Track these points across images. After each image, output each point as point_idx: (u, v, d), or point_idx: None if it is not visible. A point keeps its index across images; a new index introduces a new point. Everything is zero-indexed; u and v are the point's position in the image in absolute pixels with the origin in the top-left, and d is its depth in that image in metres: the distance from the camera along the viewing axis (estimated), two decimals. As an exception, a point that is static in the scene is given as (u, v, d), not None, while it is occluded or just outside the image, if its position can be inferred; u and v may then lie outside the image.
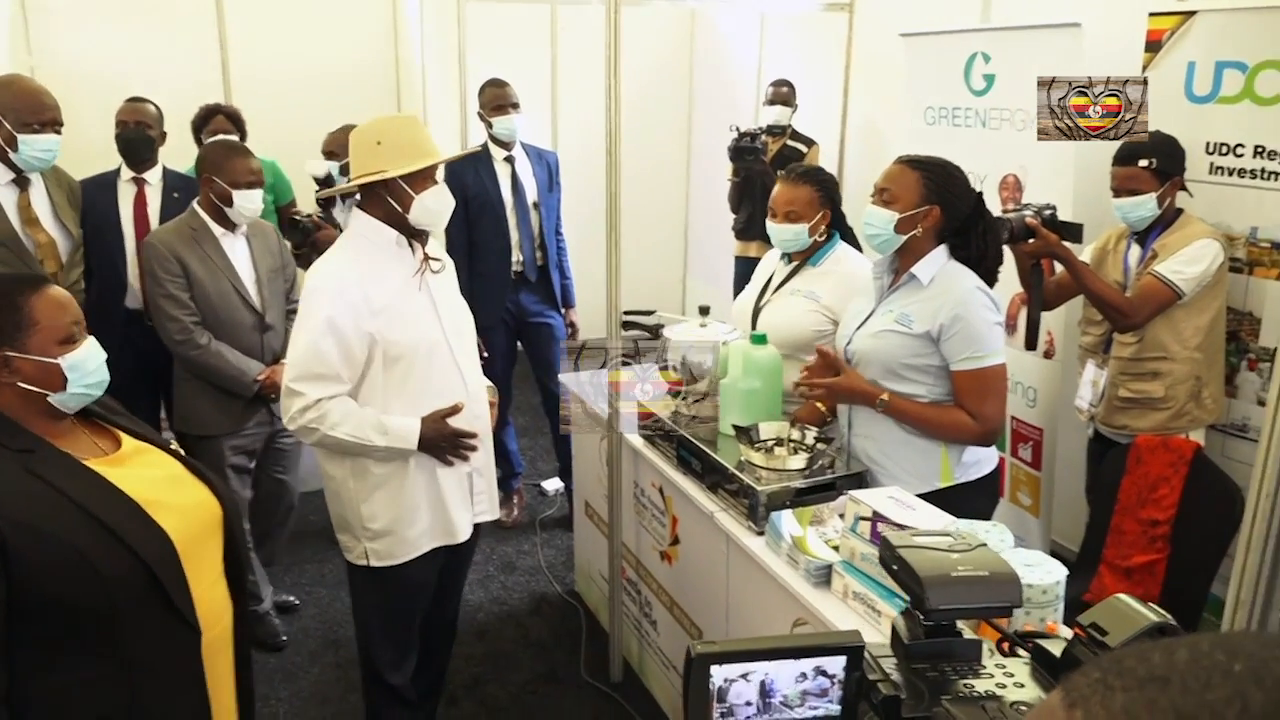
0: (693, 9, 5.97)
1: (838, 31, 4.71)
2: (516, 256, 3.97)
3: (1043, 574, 1.62)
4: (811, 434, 2.43)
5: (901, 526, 1.83)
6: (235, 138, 4.04)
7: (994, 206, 3.39)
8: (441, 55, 5.46)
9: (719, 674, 1.00)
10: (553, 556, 3.91)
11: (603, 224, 2.76)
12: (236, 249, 3.00)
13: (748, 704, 1.00)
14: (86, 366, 1.59)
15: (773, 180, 4.50)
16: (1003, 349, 2.29)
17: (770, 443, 2.43)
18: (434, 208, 2.24)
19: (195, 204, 2.99)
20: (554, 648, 3.31)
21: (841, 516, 2.07)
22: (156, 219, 3.37)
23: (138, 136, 3.39)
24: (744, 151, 4.47)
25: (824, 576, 2.05)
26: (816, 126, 4.89)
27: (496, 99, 3.88)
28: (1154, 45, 3.02)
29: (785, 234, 2.70)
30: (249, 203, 2.92)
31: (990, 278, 2.34)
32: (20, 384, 1.54)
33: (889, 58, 3.98)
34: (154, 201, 3.41)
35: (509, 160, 3.94)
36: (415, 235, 2.28)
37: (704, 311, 2.79)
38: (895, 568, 1.24)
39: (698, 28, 6.13)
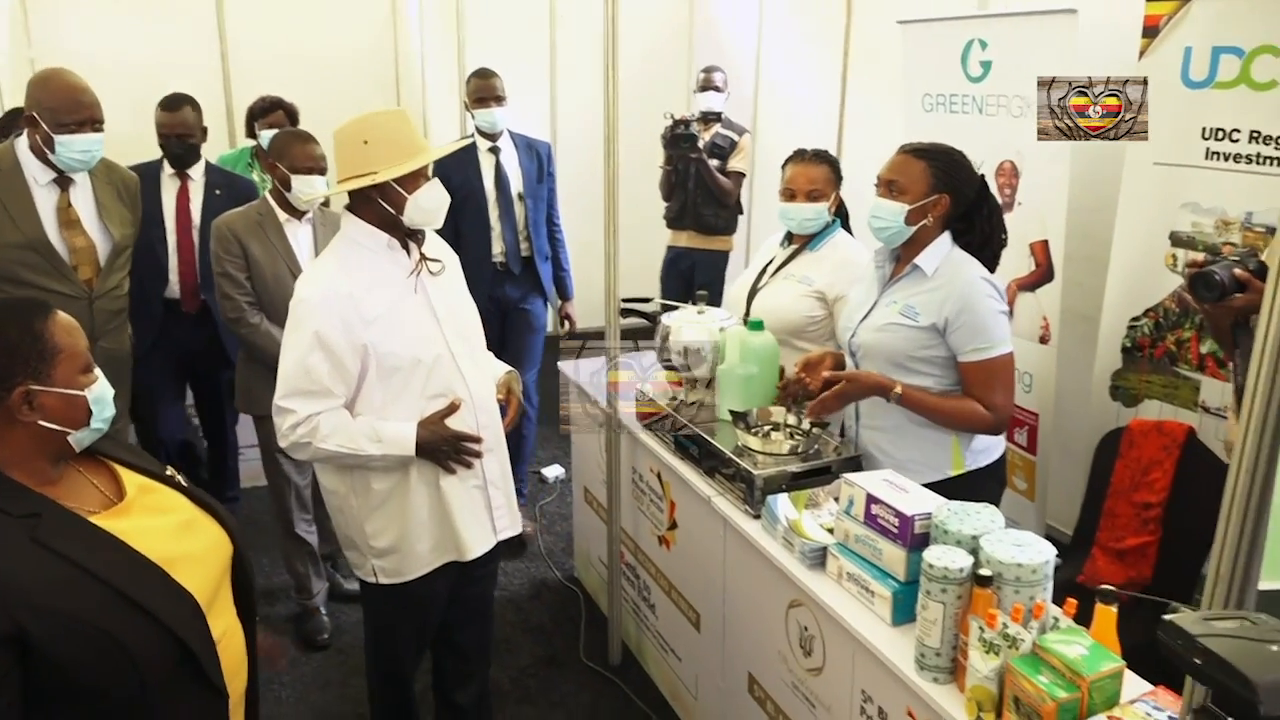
0: (691, -5, 5.97)
1: (836, 15, 4.71)
2: (499, 248, 3.91)
3: (1033, 554, 1.64)
4: (807, 419, 2.45)
5: (893, 508, 1.85)
6: None
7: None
8: (440, 44, 5.47)
9: None
10: (552, 542, 3.94)
11: (602, 211, 2.77)
12: (300, 235, 3.08)
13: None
14: (106, 398, 1.47)
15: (707, 169, 4.49)
16: (1009, 338, 2.29)
17: (767, 428, 2.46)
18: (428, 206, 2.13)
19: (267, 191, 3.12)
20: (554, 632, 3.35)
21: (836, 499, 2.10)
22: (199, 214, 3.42)
23: (182, 150, 3.42)
24: (680, 139, 4.40)
25: (819, 559, 2.08)
26: (816, 113, 4.90)
27: (478, 91, 3.84)
28: (1151, 31, 3.02)
29: (807, 213, 2.73)
30: (307, 187, 3.02)
31: (994, 262, 2.35)
32: (41, 423, 1.38)
33: (887, 44, 3.98)
34: (197, 197, 3.45)
35: (494, 151, 3.90)
36: (410, 235, 2.18)
37: (701, 299, 2.81)
38: (1198, 662, 1.02)
39: (696, 13, 6.13)
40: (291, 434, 2.09)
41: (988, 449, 2.39)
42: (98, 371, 1.48)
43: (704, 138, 4.56)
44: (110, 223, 2.96)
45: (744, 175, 4.67)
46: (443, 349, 2.19)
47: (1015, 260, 3.42)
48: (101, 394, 1.46)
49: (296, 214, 3.08)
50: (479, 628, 2.49)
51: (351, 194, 2.14)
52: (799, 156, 2.81)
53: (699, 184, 4.58)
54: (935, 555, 1.70)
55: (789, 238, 2.86)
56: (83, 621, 1.30)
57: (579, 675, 3.11)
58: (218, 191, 3.44)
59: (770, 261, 2.88)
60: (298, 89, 4.44)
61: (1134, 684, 1.61)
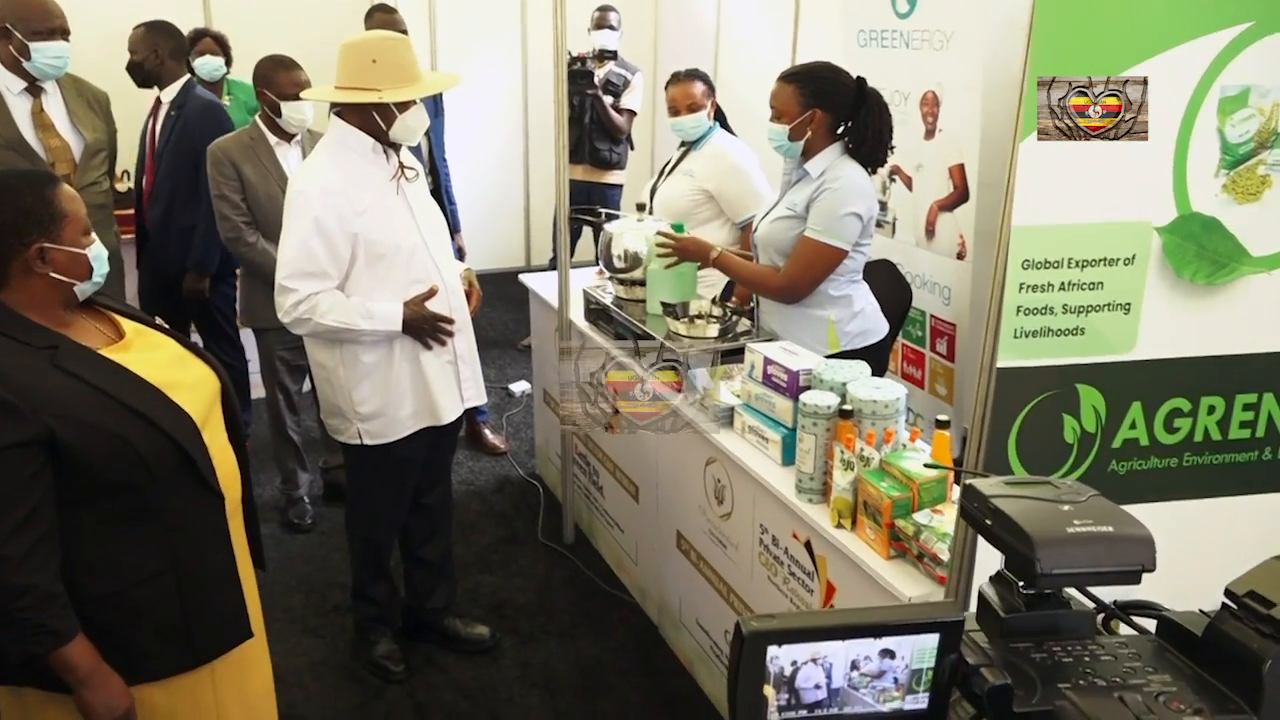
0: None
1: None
2: None
3: (886, 393, 2.00)
4: (728, 308, 2.79)
5: (784, 367, 2.20)
6: (220, 60, 4.33)
7: (917, 123, 3.73)
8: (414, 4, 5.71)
9: (780, 656, 0.85)
10: (517, 447, 4.28)
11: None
12: (290, 157, 3.31)
13: (817, 686, 0.85)
14: (103, 256, 1.70)
15: (601, 105, 4.71)
16: (847, 240, 2.50)
17: (693, 315, 2.80)
18: (413, 125, 2.41)
19: (257, 116, 3.32)
20: (514, 518, 3.70)
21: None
22: (160, 134, 3.67)
23: (129, 67, 3.66)
24: (576, 75, 4.61)
25: (728, 418, 2.43)
26: (771, 51, 5.17)
27: (378, 25, 3.77)
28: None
29: (690, 123, 3.31)
30: (296, 113, 3.23)
31: (875, 156, 2.57)
32: (52, 274, 1.61)
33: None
34: (161, 118, 3.68)
35: None
36: (391, 144, 2.43)
37: (640, 208, 3.14)
38: (989, 523, 0.96)
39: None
40: (294, 310, 2.35)
41: (864, 333, 2.66)
42: (95, 235, 1.72)
43: (598, 74, 4.78)
44: (81, 126, 3.28)
45: (635, 113, 4.90)
46: (418, 240, 2.47)
47: (935, 183, 3.75)
48: (99, 253, 1.70)
49: (286, 137, 3.30)
50: (442, 489, 2.85)
51: (345, 103, 2.37)
52: (675, 79, 3.34)
53: (594, 120, 4.80)
54: (809, 396, 2.05)
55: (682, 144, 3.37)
56: (98, 427, 1.56)
57: (535, 551, 3.47)
58: (173, 112, 3.64)
59: (668, 163, 3.40)
60: (278, 23, 4.68)
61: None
